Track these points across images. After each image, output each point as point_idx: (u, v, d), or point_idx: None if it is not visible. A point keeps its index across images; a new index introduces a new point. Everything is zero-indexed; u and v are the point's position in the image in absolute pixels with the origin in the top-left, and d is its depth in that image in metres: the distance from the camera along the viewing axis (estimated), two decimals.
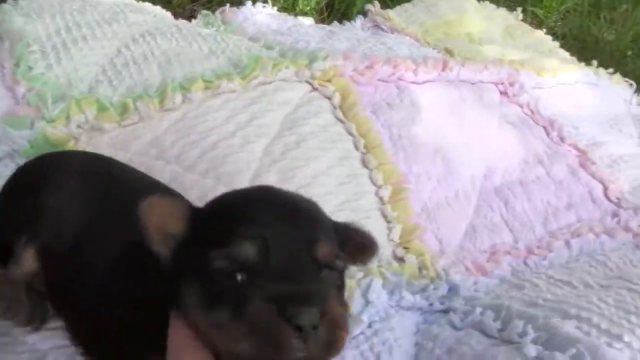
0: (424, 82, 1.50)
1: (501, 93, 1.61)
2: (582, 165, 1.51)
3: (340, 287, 0.57)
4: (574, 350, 0.86)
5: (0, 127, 1.15)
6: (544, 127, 1.57)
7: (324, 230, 0.57)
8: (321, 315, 0.49)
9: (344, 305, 0.56)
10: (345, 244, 0.61)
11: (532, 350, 0.89)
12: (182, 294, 0.56)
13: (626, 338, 0.89)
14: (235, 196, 0.61)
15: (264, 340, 0.48)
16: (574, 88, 1.81)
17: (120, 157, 1.13)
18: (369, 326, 1.00)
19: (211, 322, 0.53)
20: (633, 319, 0.95)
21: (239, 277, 0.52)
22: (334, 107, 1.32)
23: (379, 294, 1.03)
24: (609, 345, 0.88)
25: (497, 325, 0.97)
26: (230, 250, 0.52)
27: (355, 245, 0.63)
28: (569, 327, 0.92)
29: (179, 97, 1.23)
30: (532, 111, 1.60)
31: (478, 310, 1.02)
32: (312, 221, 0.57)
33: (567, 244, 1.29)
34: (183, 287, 0.56)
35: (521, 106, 1.60)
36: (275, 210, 0.56)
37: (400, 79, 1.46)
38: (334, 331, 0.51)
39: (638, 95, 1.95)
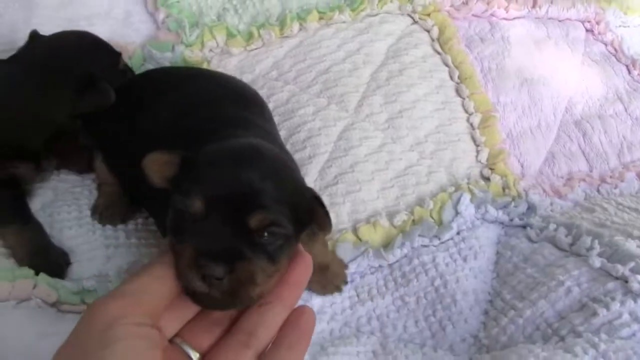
0: (514, 19, 1.56)
1: (587, 31, 1.65)
2: None
3: (278, 249, 0.62)
4: (633, 264, 0.96)
5: (146, 49, 1.30)
6: (626, 66, 1.61)
7: (267, 200, 0.62)
8: (229, 271, 0.58)
9: (270, 265, 0.62)
10: (307, 213, 0.67)
11: (597, 261, 0.99)
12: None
13: None
14: (213, 155, 0.66)
15: (183, 273, 0.57)
16: None
17: (246, 77, 1.29)
18: (458, 233, 1.13)
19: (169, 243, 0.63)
20: None
21: (189, 219, 0.61)
22: (432, 40, 1.42)
23: (467, 207, 1.15)
24: None
25: (569, 240, 1.06)
26: (186, 200, 0.60)
27: (315, 219, 0.68)
28: (630, 245, 1.00)
29: (296, 26, 1.36)
30: (615, 49, 1.63)
31: (552, 226, 1.11)
32: (259, 191, 0.62)
33: (639, 176, 1.35)
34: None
35: (605, 44, 1.64)
36: (231, 176, 0.62)
37: (492, 15, 1.54)
38: (238, 285, 0.58)
39: None
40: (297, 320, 0.58)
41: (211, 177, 0.62)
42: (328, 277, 1.00)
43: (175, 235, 0.62)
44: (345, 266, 1.04)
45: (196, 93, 1.00)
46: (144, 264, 0.60)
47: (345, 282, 1.03)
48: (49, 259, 0.98)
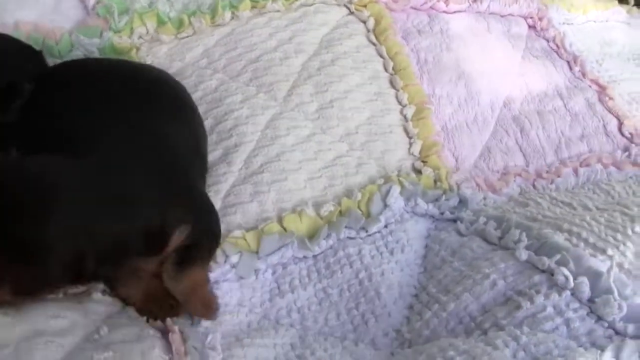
0: (454, 12, 1.56)
1: (529, 27, 1.65)
2: (600, 100, 1.53)
3: None
4: (558, 256, 0.94)
5: (74, 35, 1.27)
6: (568, 62, 1.60)
7: None
8: None
9: None
10: None
11: (523, 254, 0.97)
12: None
13: (609, 252, 0.97)
14: None
15: None
16: (604, 25, 1.81)
17: (176, 65, 1.27)
18: (386, 226, 1.11)
19: None
20: (619, 237, 1.01)
21: None
22: (368, 31, 1.41)
23: (396, 199, 1.12)
24: (593, 255, 0.96)
25: (498, 233, 1.05)
26: None
27: None
28: (559, 238, 1.00)
29: (228, 14, 1.35)
30: (557, 46, 1.63)
31: (482, 220, 1.10)
32: None
33: (575, 171, 1.34)
34: None
35: (547, 40, 1.64)
36: None
37: (432, 7, 1.53)
38: None
39: None
40: None
41: None
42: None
43: None
44: None
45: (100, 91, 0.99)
46: None
47: None
48: None
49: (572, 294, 0.91)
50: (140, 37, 1.31)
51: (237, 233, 1.03)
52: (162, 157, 0.93)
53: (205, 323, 0.90)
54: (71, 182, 0.77)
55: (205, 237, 0.93)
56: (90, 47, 1.27)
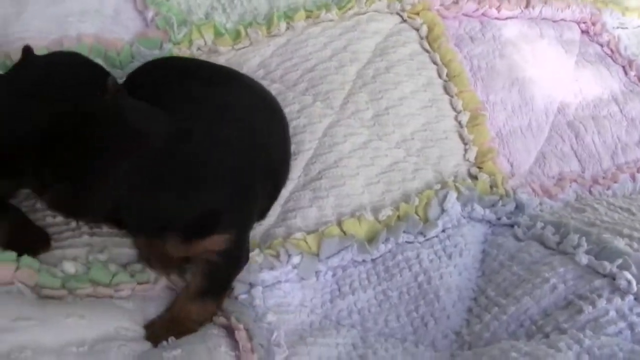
0: (506, 19, 1.55)
1: (582, 32, 1.64)
2: None
3: None
4: (620, 261, 0.94)
5: (135, 46, 1.31)
6: (623, 67, 1.59)
7: None
8: None
9: None
10: None
11: (584, 259, 0.97)
12: None
13: None
14: None
15: None
16: None
17: None
18: (443, 231, 1.11)
19: None
20: None
21: None
22: (421, 38, 1.42)
23: (453, 205, 1.13)
24: None
25: (556, 238, 1.05)
26: None
27: None
28: (619, 243, 0.99)
29: (283, 25, 1.37)
30: (612, 50, 1.61)
31: (539, 224, 1.10)
32: None
33: (633, 177, 1.33)
34: None
35: (601, 45, 1.62)
36: None
37: (484, 14, 1.53)
38: None
39: None
40: None
41: None
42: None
43: None
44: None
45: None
46: None
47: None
48: (29, 234, 0.97)
49: (635, 299, 0.90)
50: (198, 48, 1.33)
51: (299, 235, 1.05)
52: (247, 162, 0.94)
53: (270, 318, 0.93)
54: (159, 143, 0.78)
55: (229, 260, 0.93)
56: (150, 58, 1.28)
